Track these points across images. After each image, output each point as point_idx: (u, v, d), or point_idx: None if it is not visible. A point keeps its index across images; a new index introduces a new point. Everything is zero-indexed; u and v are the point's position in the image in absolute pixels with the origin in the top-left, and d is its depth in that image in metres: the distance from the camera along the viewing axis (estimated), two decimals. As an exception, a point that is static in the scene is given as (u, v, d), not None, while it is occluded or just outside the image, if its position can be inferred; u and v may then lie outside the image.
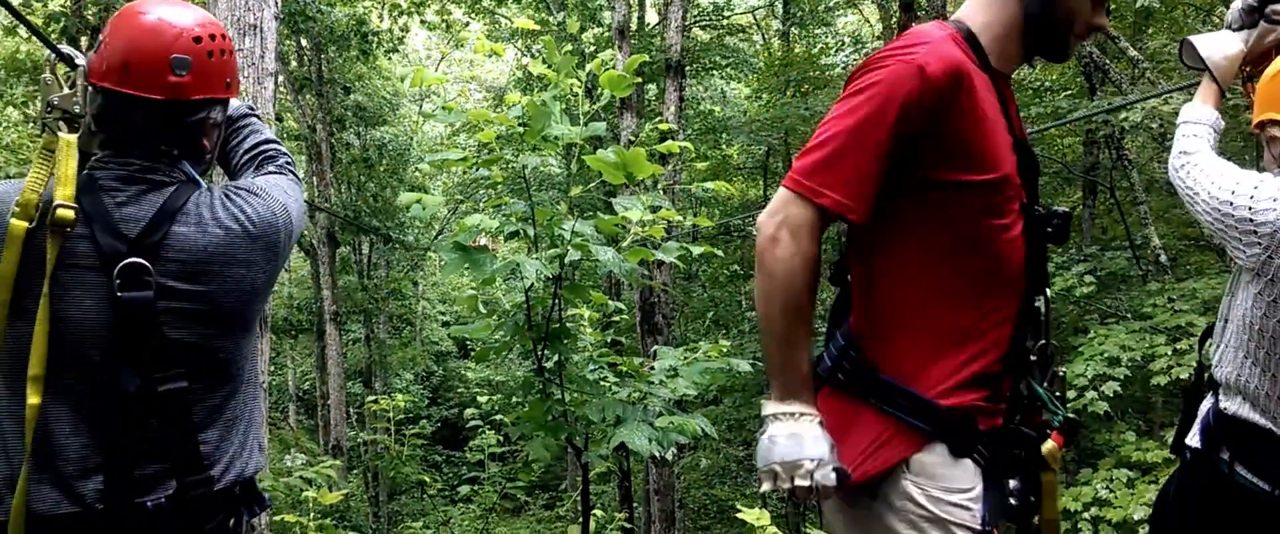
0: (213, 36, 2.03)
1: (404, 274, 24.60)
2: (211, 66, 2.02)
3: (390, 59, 19.93)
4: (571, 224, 4.31)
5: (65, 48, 2.16)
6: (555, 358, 4.62)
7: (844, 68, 17.06)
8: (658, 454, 4.11)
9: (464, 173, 26.15)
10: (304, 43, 18.34)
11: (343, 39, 18.38)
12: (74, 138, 1.94)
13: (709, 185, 4.44)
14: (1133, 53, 9.41)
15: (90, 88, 1.98)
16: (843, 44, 16.62)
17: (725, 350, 5.24)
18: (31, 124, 13.03)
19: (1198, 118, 2.65)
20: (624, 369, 5.18)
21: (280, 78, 13.10)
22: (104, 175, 1.96)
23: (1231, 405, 2.45)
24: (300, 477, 5.65)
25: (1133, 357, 7.83)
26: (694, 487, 19.56)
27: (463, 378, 31.42)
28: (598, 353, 5.26)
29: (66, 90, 2.06)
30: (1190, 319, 7.91)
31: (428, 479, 8.64)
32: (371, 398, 8.10)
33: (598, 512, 6.93)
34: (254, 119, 2.41)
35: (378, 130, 20.62)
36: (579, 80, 4.69)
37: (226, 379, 2.05)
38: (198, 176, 2.09)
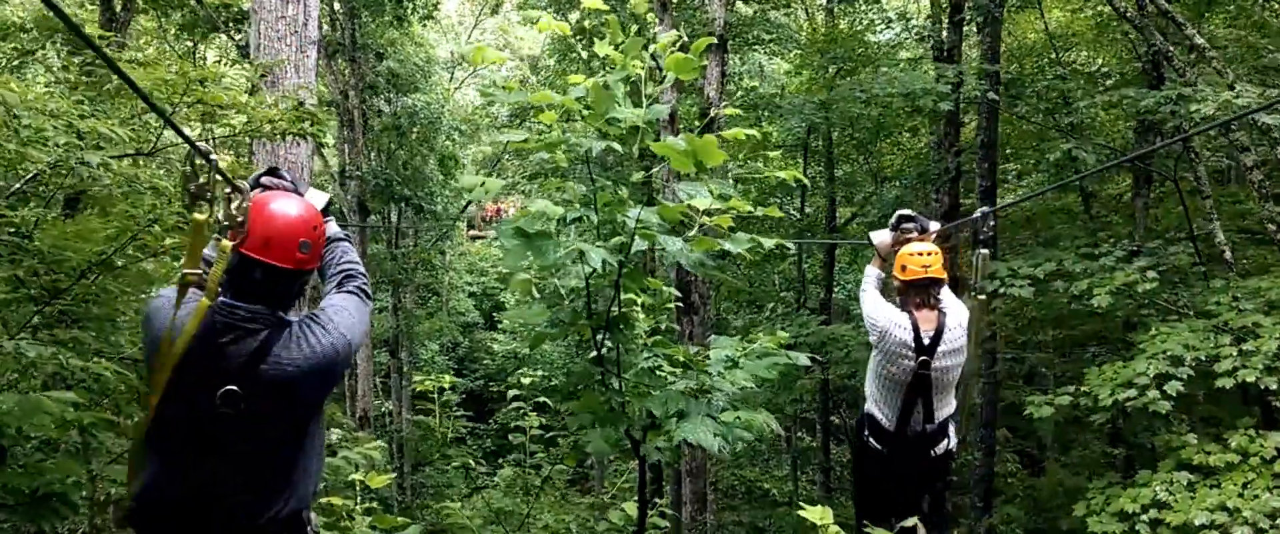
0: (316, 227, 2.86)
1: (433, 244, 24.51)
2: (317, 248, 2.89)
3: (424, 25, 19.70)
4: (636, 211, 4.11)
5: (202, 145, 2.73)
6: (613, 347, 4.43)
7: (890, 46, 16.72)
8: (723, 450, 3.93)
9: (495, 143, 25.86)
10: (337, 7, 18.15)
11: (377, 3, 18.19)
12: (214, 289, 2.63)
13: (780, 174, 4.23)
14: (1198, 40, 9.05)
15: (231, 252, 2.65)
16: (890, 21, 16.22)
17: (785, 341, 5.05)
18: (61, 86, 12.89)
19: (870, 272, 5.22)
20: (680, 358, 5.00)
21: (317, 44, 12.94)
22: (220, 319, 2.67)
23: (869, 406, 5.05)
24: (344, 457, 5.51)
25: (1197, 356, 7.58)
26: (723, 467, 19.45)
27: (489, 349, 31.45)
28: (652, 341, 5.08)
29: (202, 179, 2.62)
30: (1256, 319, 7.64)
31: (471, 462, 8.50)
32: (417, 378, 8.05)
33: (627, 504, 6.77)
34: (344, 242, 3.21)
35: (409, 97, 20.44)
36: (643, 62, 4.47)
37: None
38: (287, 316, 2.79)
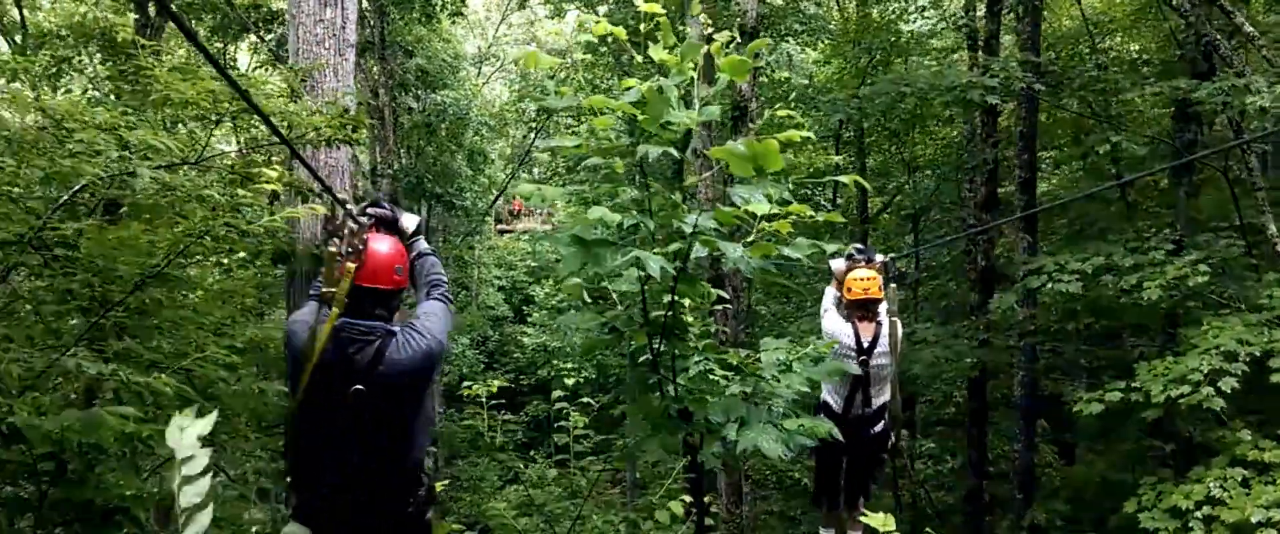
0: (403, 254, 3.75)
1: (463, 240, 24.56)
2: (407, 269, 3.73)
3: (453, 22, 19.69)
4: (694, 217, 4.06)
5: (341, 196, 3.86)
6: (669, 353, 4.39)
7: (924, 36, 16.54)
8: (786, 456, 3.89)
9: (523, 138, 25.84)
10: (366, 5, 18.15)
11: (406, 1, 18.19)
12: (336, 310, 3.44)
13: (842, 179, 4.16)
14: (1248, 27, 8.88)
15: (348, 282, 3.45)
16: (923, 9, 16.02)
17: (832, 343, 4.98)
18: (96, 91, 12.97)
19: (828, 292, 6.49)
20: (733, 362, 4.95)
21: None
22: (345, 335, 3.47)
23: (824, 394, 6.29)
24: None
25: (1251, 351, 7.45)
26: (758, 456, 19.39)
27: (519, 343, 31.51)
28: (703, 345, 5.03)
29: (346, 226, 3.54)
30: (1312, 315, 7.50)
31: (522, 465, 8.47)
32: (466, 383, 8.19)
33: (672, 504, 6.74)
34: (431, 256, 3.97)
35: (438, 94, 20.45)
36: (696, 63, 4.42)
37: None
38: (392, 326, 3.55)
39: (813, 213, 4.01)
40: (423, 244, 3.98)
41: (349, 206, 3.66)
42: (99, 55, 12.37)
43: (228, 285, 7.54)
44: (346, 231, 3.51)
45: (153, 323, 5.49)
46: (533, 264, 33.15)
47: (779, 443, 3.91)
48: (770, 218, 4.05)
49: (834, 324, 6.21)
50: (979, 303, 13.82)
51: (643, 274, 4.28)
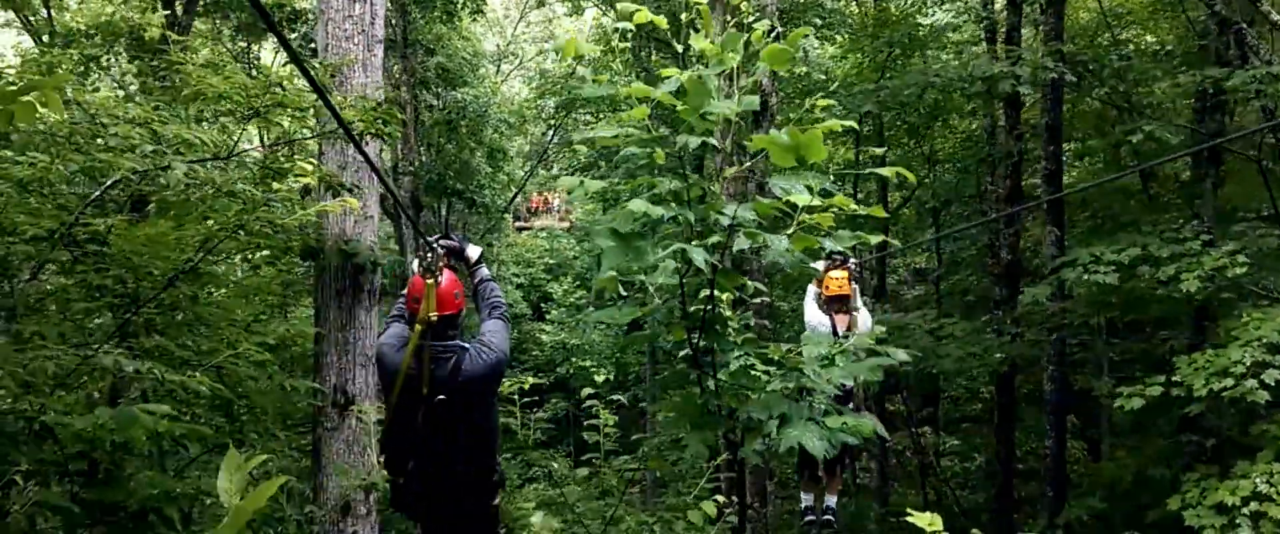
0: (456, 282, 4.37)
1: (483, 237, 24.53)
2: (464, 296, 4.41)
3: (474, 20, 19.65)
4: (734, 209, 3.99)
5: (429, 238, 4.51)
6: (709, 348, 4.32)
7: (943, 29, 16.41)
8: (829, 454, 3.81)
9: (542, 135, 25.80)
10: (388, 4, 18.11)
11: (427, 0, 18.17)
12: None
13: (883, 171, 4.07)
14: (1275, 16, 8.74)
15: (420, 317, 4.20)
16: (942, 2, 15.90)
17: (881, 336, 4.90)
18: (121, 89, 12.96)
19: (811, 290, 7.58)
20: (773, 356, 4.87)
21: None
22: (430, 354, 4.20)
23: None
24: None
25: (1295, 343, 7.32)
26: (776, 456, 19.29)
27: (537, 340, 31.50)
28: (742, 339, 4.96)
29: (428, 257, 4.27)
30: (1352, 303, 7.36)
31: (556, 464, 8.40)
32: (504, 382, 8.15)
33: (705, 504, 6.66)
34: (491, 281, 4.72)
35: (458, 92, 20.44)
36: (737, 53, 4.34)
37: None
38: (464, 343, 4.30)
39: (855, 205, 3.94)
40: (484, 270, 4.75)
41: (436, 245, 4.42)
42: (126, 54, 12.40)
43: (253, 281, 7.52)
44: (425, 258, 4.26)
45: (183, 319, 5.46)
46: (551, 261, 33.13)
47: (822, 441, 3.83)
48: (811, 210, 3.97)
49: (815, 316, 7.40)
50: (1006, 297, 13.69)
51: (681, 267, 4.22)
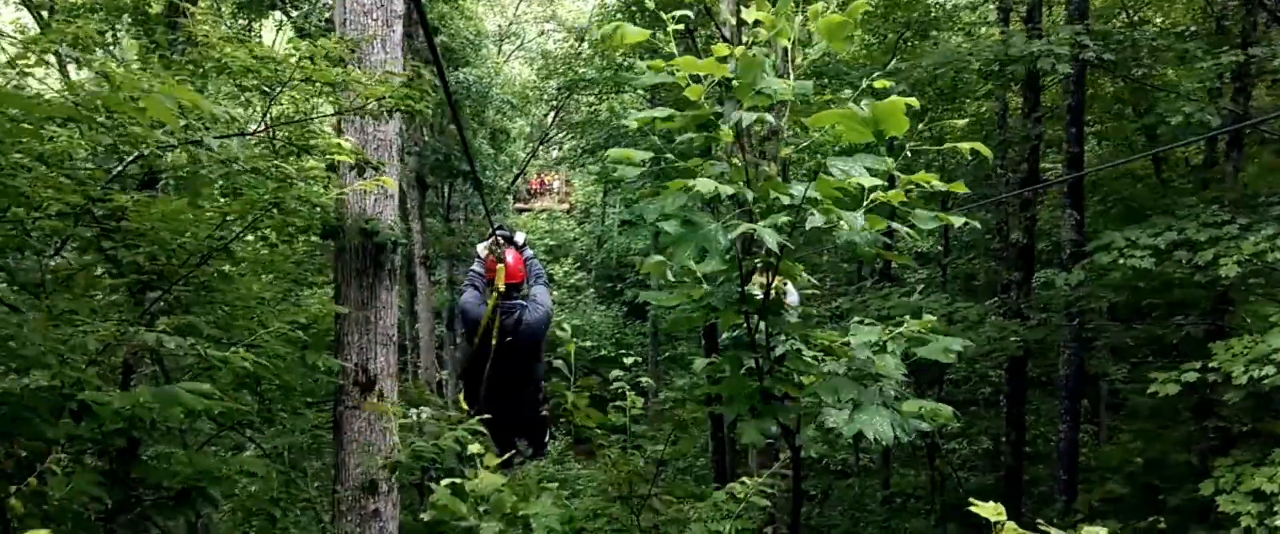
0: (521, 260, 6.38)
1: (484, 218, 24.37)
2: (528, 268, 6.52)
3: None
4: (804, 188, 3.86)
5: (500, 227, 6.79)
6: (768, 333, 4.20)
7: (956, 7, 16.26)
8: (903, 440, 3.70)
9: (546, 114, 25.64)
10: (401, -21, 17.85)
11: (431, -23, 17.92)
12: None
13: (979, 147, 3.92)
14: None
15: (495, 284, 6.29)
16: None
17: (931, 326, 4.77)
18: (138, 64, 12.71)
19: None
20: (821, 343, 4.75)
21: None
22: (502, 307, 6.21)
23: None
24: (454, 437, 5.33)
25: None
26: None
27: (537, 320, 31.45)
28: (792, 323, 4.82)
29: (492, 245, 6.45)
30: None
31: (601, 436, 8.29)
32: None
33: (732, 487, 6.54)
34: (535, 260, 6.63)
35: (461, 71, 20.23)
36: (789, 29, 4.20)
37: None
38: (524, 302, 6.30)
39: (938, 182, 3.81)
40: (529, 251, 6.61)
41: (502, 231, 6.53)
42: (130, 29, 12.16)
43: (270, 258, 7.38)
44: (495, 243, 6.34)
45: (213, 297, 5.33)
46: (551, 242, 33.00)
47: (896, 427, 3.71)
48: (885, 188, 3.84)
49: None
50: (1021, 280, 13.60)
51: (738, 251, 4.10)
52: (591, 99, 23.18)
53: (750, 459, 14.52)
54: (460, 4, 20.09)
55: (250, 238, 7.34)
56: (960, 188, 3.88)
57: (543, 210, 33.61)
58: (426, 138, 19.27)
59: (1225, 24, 12.89)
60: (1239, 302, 9.51)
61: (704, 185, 3.62)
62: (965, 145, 3.86)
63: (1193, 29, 13.47)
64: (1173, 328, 12.88)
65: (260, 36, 17.73)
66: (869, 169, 3.98)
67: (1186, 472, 9.47)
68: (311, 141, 5.65)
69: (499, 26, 26.38)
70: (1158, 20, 15.51)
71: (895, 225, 3.86)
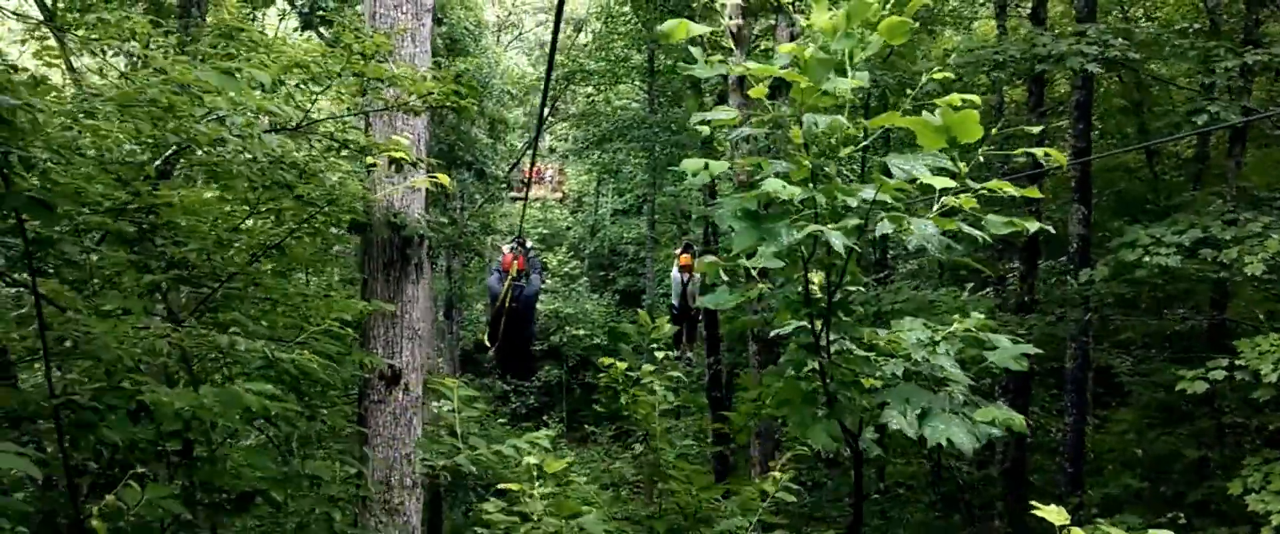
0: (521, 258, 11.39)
1: (479, 206, 24.34)
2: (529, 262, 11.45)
3: (482, -12, 19.36)
4: (870, 192, 3.88)
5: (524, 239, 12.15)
6: (835, 337, 4.22)
7: (957, 5, 16.31)
8: (977, 447, 3.73)
9: (538, 104, 25.55)
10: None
11: (432, -34, 17.79)
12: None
13: (1052, 153, 3.94)
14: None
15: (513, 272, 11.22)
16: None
17: (980, 324, 4.80)
18: (135, 62, 12.56)
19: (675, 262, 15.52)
20: (871, 341, 4.77)
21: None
22: (515, 284, 11.05)
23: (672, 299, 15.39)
24: (512, 445, 5.36)
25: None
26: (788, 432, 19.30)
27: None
28: (847, 323, 4.84)
29: (514, 246, 11.49)
30: None
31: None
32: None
33: (760, 482, 6.57)
34: (535, 256, 11.92)
35: (461, 61, 20.16)
36: (858, 25, 4.21)
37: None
38: (525, 282, 11.20)
39: (1012, 188, 3.83)
40: (533, 251, 11.29)
41: (525, 241, 11.25)
42: (141, 21, 12.01)
43: (298, 251, 7.37)
44: (516, 243, 11.01)
45: (256, 293, 5.31)
46: (545, 231, 32.96)
47: (969, 435, 3.75)
48: (956, 192, 3.87)
49: (675, 276, 14.73)
50: (1025, 273, 13.69)
51: (805, 252, 4.12)
52: (589, 90, 23.15)
53: (753, 449, 14.60)
54: (462, -6, 20.06)
55: (276, 229, 7.34)
56: (1034, 193, 3.91)
57: (536, 199, 33.58)
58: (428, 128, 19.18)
59: (1218, 21, 13.02)
60: (1236, 295, 9.58)
61: (770, 185, 3.63)
62: (1040, 151, 3.89)
63: (1197, 26, 13.56)
64: (1176, 319, 13.01)
65: (263, 28, 17.58)
66: (931, 168, 4.01)
67: (1197, 467, 9.56)
68: (352, 135, 5.65)
69: (498, 17, 26.28)
70: (1141, 17, 15.64)
71: (967, 229, 3.87)
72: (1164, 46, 11.12)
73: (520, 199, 32.30)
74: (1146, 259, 8.87)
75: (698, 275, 13.92)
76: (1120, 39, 10.18)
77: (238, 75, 5.53)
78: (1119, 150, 13.69)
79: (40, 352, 4.15)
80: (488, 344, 11.47)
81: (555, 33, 5.27)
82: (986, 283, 18.87)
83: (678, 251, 14.50)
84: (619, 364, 7.38)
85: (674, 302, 14.66)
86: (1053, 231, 4.83)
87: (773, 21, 15.28)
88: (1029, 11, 13.89)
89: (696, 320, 15.23)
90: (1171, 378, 9.16)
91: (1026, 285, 13.57)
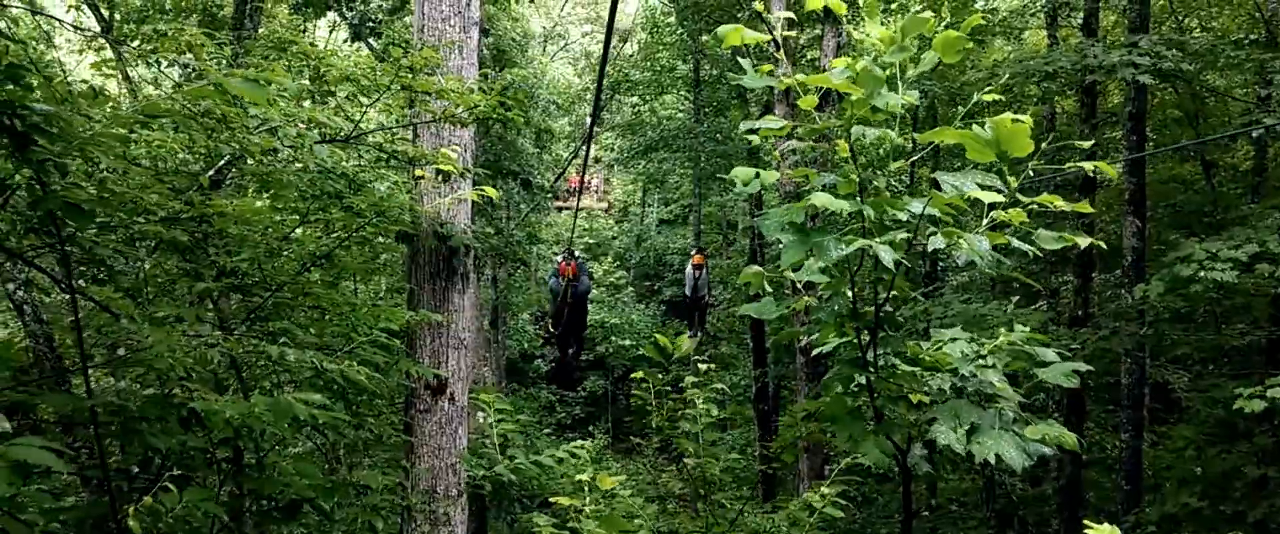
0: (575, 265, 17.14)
1: (524, 216, 24.47)
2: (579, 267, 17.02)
3: (532, 0, 19.50)
4: (918, 206, 3.83)
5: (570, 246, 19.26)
6: (881, 352, 4.17)
7: (1008, 14, 16.12)
8: (1027, 465, 3.66)
9: (588, 114, 25.68)
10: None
11: (481, -23, 17.96)
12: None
13: (1102, 166, 3.87)
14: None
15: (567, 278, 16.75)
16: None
17: (1026, 338, 4.70)
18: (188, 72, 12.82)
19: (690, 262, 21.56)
20: (915, 354, 4.70)
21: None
22: (569, 282, 16.71)
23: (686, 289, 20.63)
24: (552, 455, 5.36)
25: None
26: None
27: (575, 318, 31.58)
28: (891, 337, 4.78)
29: (566, 256, 17.41)
30: None
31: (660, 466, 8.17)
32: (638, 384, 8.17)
33: (807, 496, 6.52)
34: (583, 262, 18.50)
35: (508, 72, 20.29)
36: (914, 40, 4.17)
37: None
38: (577, 282, 16.83)
39: (1063, 203, 3.76)
40: (582, 259, 17.19)
41: (574, 252, 17.10)
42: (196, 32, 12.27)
43: (346, 260, 7.45)
44: (568, 252, 16.73)
45: (304, 302, 5.36)
46: (590, 241, 33.04)
47: (1020, 451, 3.67)
48: (1006, 206, 3.81)
49: (688, 272, 19.46)
50: (1078, 287, 13.45)
51: (853, 266, 4.07)
52: (635, 100, 23.19)
53: (800, 463, 14.48)
54: (508, 5, 20.15)
55: (325, 239, 7.43)
56: (1085, 208, 3.84)
57: (582, 209, 33.73)
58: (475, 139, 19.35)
59: (1276, 32, 12.74)
60: None
61: (818, 199, 3.60)
62: (1089, 165, 3.82)
63: (1253, 37, 13.27)
64: (1233, 334, 12.72)
65: (314, 41, 17.85)
66: (980, 183, 3.95)
67: (1258, 486, 9.29)
68: (401, 147, 5.70)
69: (544, 28, 26.46)
70: (1196, 28, 15.35)
71: (1018, 243, 3.80)
72: (1218, 57, 10.89)
73: (567, 209, 32.49)
74: (1202, 274, 8.66)
75: (705, 271, 19.35)
76: (1173, 50, 9.98)
77: (267, 84, 5.61)
78: (1153, 152, 13.41)
79: (107, 358, 4.24)
80: (552, 329, 17.33)
81: (606, 45, 5.28)
82: (1039, 297, 18.59)
83: (693, 253, 19.85)
84: (640, 389, 7.38)
85: (686, 292, 19.57)
86: (1103, 246, 4.73)
87: (819, 31, 15.24)
88: (1080, 22, 13.67)
89: (704, 308, 20.42)
90: (1229, 395, 8.95)
91: (1080, 299, 13.34)
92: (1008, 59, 13.90)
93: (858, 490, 18.32)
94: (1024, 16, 16.42)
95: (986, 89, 4.29)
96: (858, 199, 4.01)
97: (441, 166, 5.53)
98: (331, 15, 15.89)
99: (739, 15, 16.91)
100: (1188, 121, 14.46)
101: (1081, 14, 14.17)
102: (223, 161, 5.37)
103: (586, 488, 4.86)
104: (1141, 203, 12.77)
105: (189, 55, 5.70)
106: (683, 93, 23.92)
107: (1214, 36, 13.42)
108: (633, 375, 8.57)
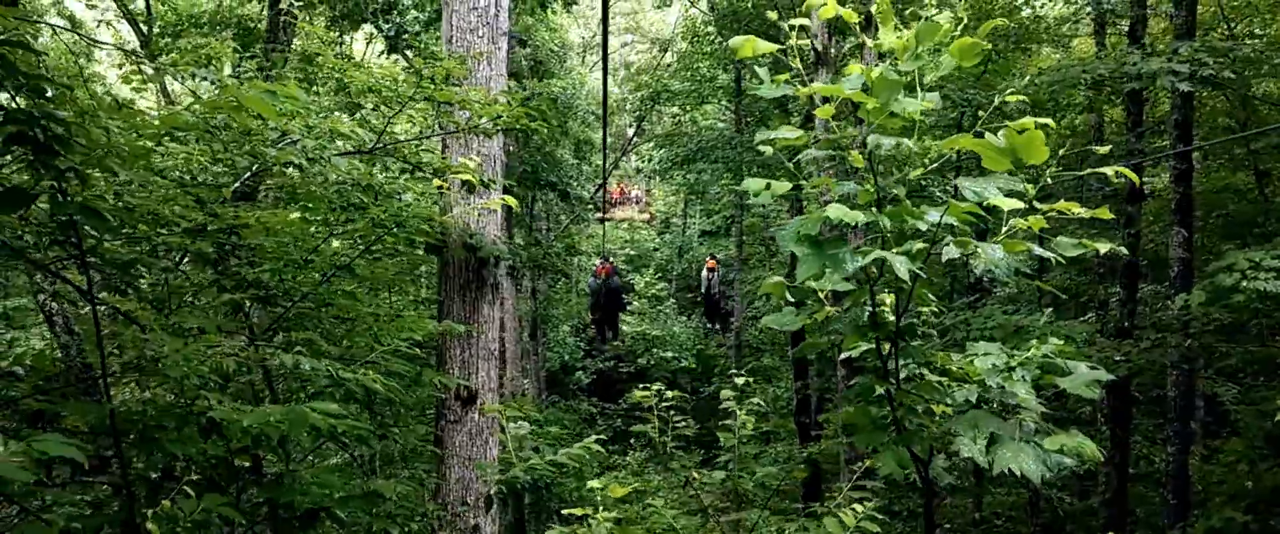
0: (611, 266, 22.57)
1: (564, 227, 24.54)
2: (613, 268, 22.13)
3: (570, 11, 19.58)
4: (937, 215, 3.76)
5: (607, 252, 26.84)
6: (902, 362, 4.09)
7: (1055, 21, 15.89)
8: (1045, 477, 3.56)
9: (628, 124, 25.74)
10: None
11: (521, -11, 18.08)
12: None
13: (1106, 170, 3.78)
14: None
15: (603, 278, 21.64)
16: (1051, -7, 15.39)
17: (1061, 348, 4.59)
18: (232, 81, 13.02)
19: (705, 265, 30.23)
20: (943, 365, 4.61)
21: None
22: (606, 279, 21.59)
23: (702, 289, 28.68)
24: (566, 454, 5.33)
25: None
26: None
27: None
28: (916, 347, 4.69)
29: (604, 253, 24.57)
30: None
31: (694, 473, 8.07)
32: (639, 386, 7.89)
33: (845, 515, 6.42)
34: (615, 266, 24.29)
35: (546, 83, 20.39)
36: (929, 47, 4.10)
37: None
38: (610, 280, 21.80)
39: (1081, 209, 3.67)
40: (613, 262, 22.25)
41: (608, 258, 22.79)
42: (231, 45, 12.49)
43: (377, 272, 7.49)
44: (603, 258, 21.82)
45: (327, 312, 5.39)
46: (631, 252, 33.03)
47: (1039, 463, 3.58)
48: (1024, 214, 3.72)
49: (704, 275, 26.27)
50: (1125, 298, 13.18)
51: (871, 277, 4.00)
52: (675, 110, 23.18)
53: (841, 476, 14.33)
54: (545, 16, 20.26)
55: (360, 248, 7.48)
56: (1105, 213, 3.74)
57: (623, 220, 33.74)
58: (511, 149, 19.44)
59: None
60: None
61: (833, 211, 3.54)
62: (1110, 169, 3.72)
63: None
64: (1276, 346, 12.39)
65: (350, 50, 18.06)
66: (1002, 190, 3.87)
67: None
68: (425, 158, 5.72)
69: (582, 39, 26.57)
70: (1246, 35, 15.01)
71: (1038, 250, 3.71)
72: (1264, 64, 10.62)
73: (608, 220, 32.58)
74: (1244, 284, 8.43)
75: (717, 274, 24.20)
76: (1215, 58, 9.73)
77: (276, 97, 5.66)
78: (1184, 149, 13.11)
79: (125, 367, 4.29)
80: (590, 317, 22.10)
81: (605, 46, 5.25)
82: (1087, 308, 18.26)
83: (707, 258, 24.89)
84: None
85: (702, 292, 23.95)
86: (1126, 253, 4.61)
87: (861, 40, 15.11)
88: (1127, 29, 13.42)
89: (719, 306, 25.15)
90: (1276, 408, 8.72)
91: (1126, 310, 13.06)
92: (1045, 67, 13.67)
93: (899, 503, 18.10)
94: (1073, 24, 16.16)
95: (1009, 92, 4.21)
96: (874, 209, 3.95)
97: (462, 177, 5.53)
98: (368, 28, 16.05)
99: (782, 23, 16.80)
100: (1238, 130, 14.13)
101: (1128, 21, 13.92)
102: (248, 174, 5.42)
103: (600, 499, 4.81)
104: (1188, 212, 12.49)
105: (205, 69, 5.81)
106: (724, 102, 23.87)
107: (1266, 42, 13.11)
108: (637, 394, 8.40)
